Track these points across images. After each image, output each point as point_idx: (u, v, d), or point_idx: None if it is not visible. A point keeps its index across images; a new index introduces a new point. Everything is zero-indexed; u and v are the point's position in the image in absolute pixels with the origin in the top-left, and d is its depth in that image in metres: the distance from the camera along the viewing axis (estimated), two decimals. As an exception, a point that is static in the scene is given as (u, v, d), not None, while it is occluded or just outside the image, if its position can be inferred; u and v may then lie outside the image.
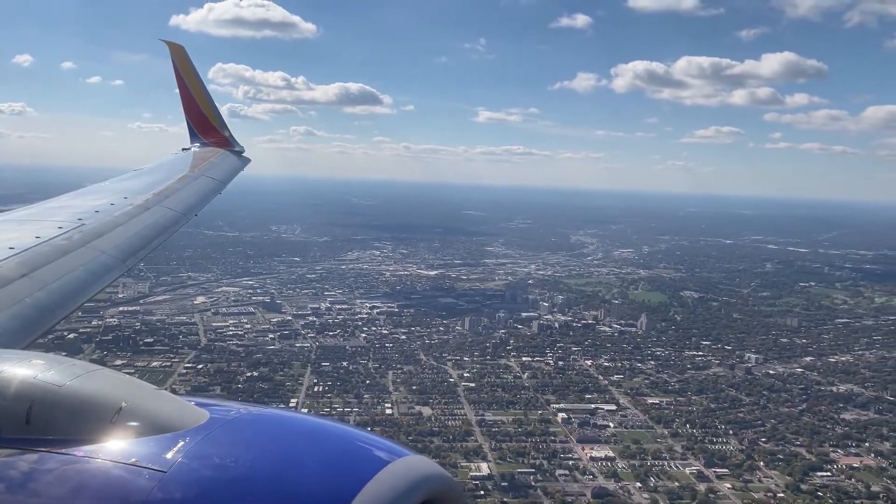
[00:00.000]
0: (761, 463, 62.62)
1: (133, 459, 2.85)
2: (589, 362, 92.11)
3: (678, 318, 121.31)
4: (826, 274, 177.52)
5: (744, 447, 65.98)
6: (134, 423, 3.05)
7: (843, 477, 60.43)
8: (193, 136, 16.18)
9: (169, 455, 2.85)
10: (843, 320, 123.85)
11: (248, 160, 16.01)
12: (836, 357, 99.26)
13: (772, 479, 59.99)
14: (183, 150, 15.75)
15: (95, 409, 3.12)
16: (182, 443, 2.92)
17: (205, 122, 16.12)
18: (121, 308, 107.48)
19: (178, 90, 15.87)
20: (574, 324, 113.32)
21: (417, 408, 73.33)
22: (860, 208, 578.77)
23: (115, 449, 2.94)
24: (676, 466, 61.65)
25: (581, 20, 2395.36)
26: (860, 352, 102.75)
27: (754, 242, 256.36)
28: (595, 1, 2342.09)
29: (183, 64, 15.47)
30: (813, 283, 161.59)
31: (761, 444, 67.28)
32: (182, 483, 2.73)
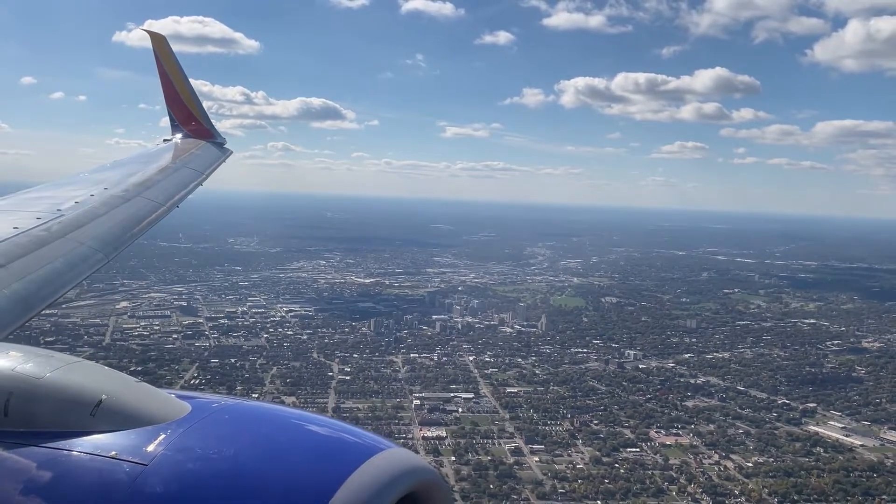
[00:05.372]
0: (580, 441, 67.63)
1: (113, 452, 2.83)
2: (471, 358, 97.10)
3: (584, 320, 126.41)
4: (755, 282, 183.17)
5: (572, 428, 70.99)
6: (114, 416, 3.04)
7: (649, 452, 65.45)
8: (175, 126, 15.79)
9: (150, 448, 2.84)
10: (744, 322, 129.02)
11: (229, 151, 15.84)
12: (714, 354, 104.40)
13: (582, 454, 65.00)
14: (164, 140, 15.48)
15: (75, 401, 3.10)
16: (163, 435, 2.91)
17: (186, 113, 15.74)
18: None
19: (160, 81, 15.60)
20: (477, 325, 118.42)
21: (283, 397, 78.02)
22: (827, 222, 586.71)
23: (95, 442, 2.92)
24: (499, 444, 66.63)
25: (503, 37, 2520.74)
26: (742, 349, 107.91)
27: (706, 254, 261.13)
28: (511, 19, 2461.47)
29: (164, 53, 15.09)
30: (737, 290, 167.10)
31: (592, 425, 72.27)
32: (163, 476, 2.72)
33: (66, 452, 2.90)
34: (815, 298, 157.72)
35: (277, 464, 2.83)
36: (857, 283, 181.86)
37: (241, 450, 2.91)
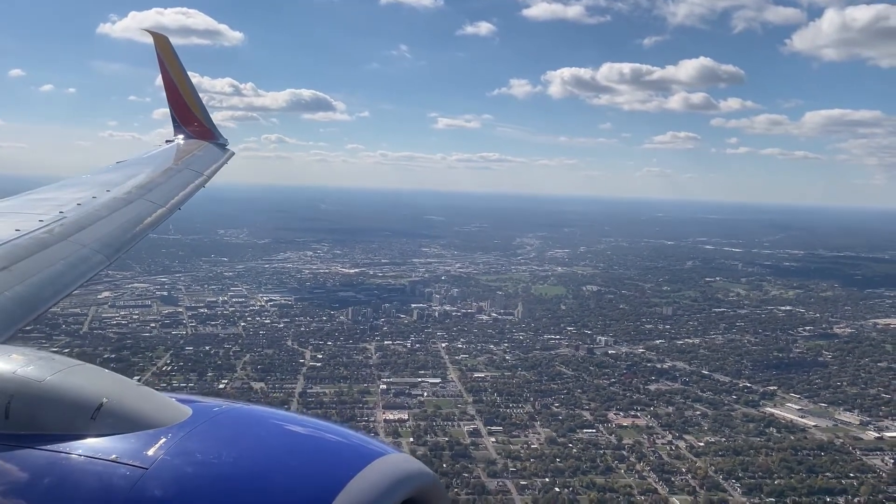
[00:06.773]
0: (538, 422, 69.11)
1: (114, 456, 2.84)
2: (444, 345, 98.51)
3: (562, 308, 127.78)
4: (738, 270, 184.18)
5: (533, 410, 72.46)
6: (115, 420, 3.04)
7: (604, 433, 66.99)
8: (177, 127, 15.87)
9: (150, 452, 2.85)
10: (720, 309, 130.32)
11: (231, 152, 15.97)
12: (685, 340, 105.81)
13: (539, 434, 66.48)
14: (167, 142, 15.53)
15: (76, 404, 3.11)
16: (164, 439, 2.92)
17: (188, 114, 15.85)
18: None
19: (161, 81, 15.72)
20: (454, 313, 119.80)
21: (252, 383, 79.51)
22: (821, 212, 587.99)
23: (95, 445, 2.92)
24: (458, 426, 68.12)
25: (484, 28, 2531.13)
26: (713, 336, 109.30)
27: (695, 244, 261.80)
28: (490, 10, 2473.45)
29: (166, 54, 15.16)
30: (719, 279, 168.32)
31: (553, 408, 73.75)
32: (164, 480, 2.72)
33: (66, 455, 2.90)
34: (795, 286, 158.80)
35: (278, 468, 2.83)
36: (839, 271, 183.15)
37: (242, 454, 2.94)
